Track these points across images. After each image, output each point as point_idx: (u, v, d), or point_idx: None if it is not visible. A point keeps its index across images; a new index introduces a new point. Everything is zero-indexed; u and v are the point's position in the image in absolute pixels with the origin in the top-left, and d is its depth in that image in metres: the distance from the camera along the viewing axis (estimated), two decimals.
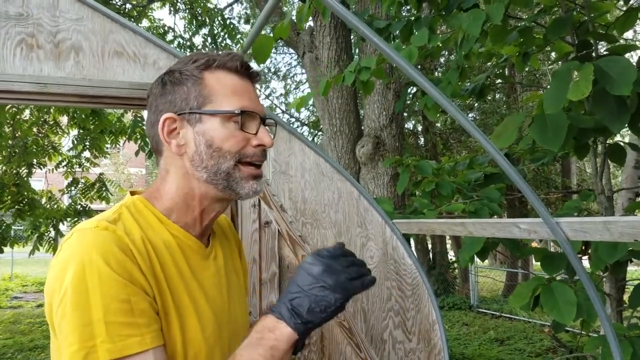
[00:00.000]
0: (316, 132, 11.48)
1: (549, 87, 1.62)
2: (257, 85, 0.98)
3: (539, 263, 2.19)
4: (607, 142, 2.37)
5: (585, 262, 2.45)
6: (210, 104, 0.84)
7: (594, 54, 2.21)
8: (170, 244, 0.84)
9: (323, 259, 0.80)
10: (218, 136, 0.84)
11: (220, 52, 0.91)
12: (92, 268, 0.70)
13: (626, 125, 1.77)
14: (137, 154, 5.36)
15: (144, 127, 5.62)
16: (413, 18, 2.69)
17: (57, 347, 0.74)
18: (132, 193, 0.91)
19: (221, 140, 0.84)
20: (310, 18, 4.95)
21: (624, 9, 2.54)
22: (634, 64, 1.81)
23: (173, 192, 0.87)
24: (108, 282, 0.70)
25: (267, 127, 0.89)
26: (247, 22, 10.07)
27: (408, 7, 3.52)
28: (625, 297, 2.39)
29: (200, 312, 0.83)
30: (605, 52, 2.35)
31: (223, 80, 0.86)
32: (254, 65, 0.97)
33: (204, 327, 0.83)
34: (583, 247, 2.18)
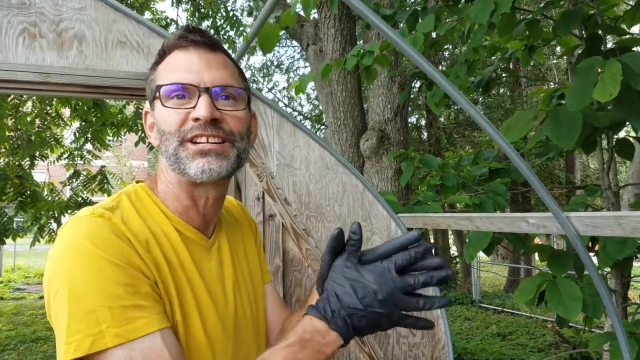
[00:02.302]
0: (319, 126, 11.44)
1: (571, 83, 1.59)
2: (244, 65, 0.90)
3: (542, 261, 2.18)
4: (615, 137, 2.35)
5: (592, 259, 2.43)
6: (154, 88, 0.82)
7: (602, 48, 2.18)
8: (170, 234, 0.82)
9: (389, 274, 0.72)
10: (161, 118, 0.80)
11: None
12: (88, 255, 0.68)
13: None
14: (136, 144, 5.34)
15: None
16: (420, 8, 2.65)
17: (59, 343, 0.72)
18: (138, 182, 0.89)
19: (163, 121, 0.79)
20: (315, 10, 4.91)
21: (631, 2, 2.51)
22: None
23: (161, 181, 0.86)
24: (107, 268, 0.68)
25: (223, 99, 0.80)
26: (250, 14, 10.03)
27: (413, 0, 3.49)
28: (630, 293, 2.38)
29: (202, 305, 0.81)
30: (612, 46, 2.31)
31: (168, 61, 0.82)
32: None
33: (205, 321, 0.81)
34: (590, 244, 2.16)
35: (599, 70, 1.49)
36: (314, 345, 0.71)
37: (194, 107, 0.77)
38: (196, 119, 0.77)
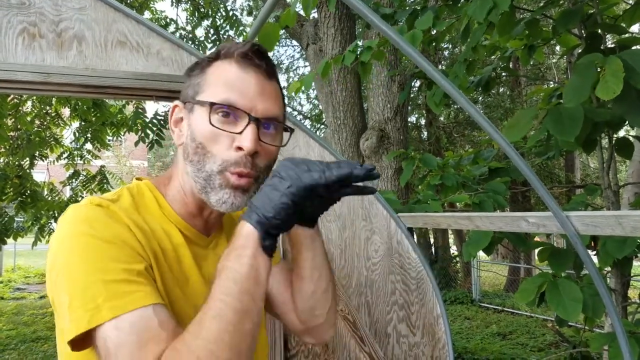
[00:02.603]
0: (319, 125, 11.44)
1: (570, 80, 1.59)
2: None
3: (542, 261, 2.17)
4: (614, 135, 2.35)
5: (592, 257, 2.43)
6: (201, 94, 0.80)
7: (602, 47, 2.18)
8: (169, 230, 0.82)
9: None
10: (200, 130, 0.78)
11: (244, 42, 0.84)
12: (85, 238, 0.69)
13: None
14: (136, 144, 5.33)
15: (145, 119, 5.56)
16: (419, 7, 2.66)
17: (61, 329, 0.72)
18: (138, 180, 0.89)
19: (204, 137, 0.78)
20: (315, 9, 4.91)
21: (630, 1, 2.51)
22: None
23: (174, 182, 0.86)
24: (102, 246, 0.69)
25: (267, 131, 0.80)
26: (249, 14, 10.03)
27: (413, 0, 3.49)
28: (630, 292, 2.38)
29: (197, 302, 0.79)
30: (612, 45, 2.31)
31: (222, 70, 0.80)
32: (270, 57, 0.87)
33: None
34: (592, 243, 2.16)
35: (599, 67, 1.49)
36: (234, 250, 0.70)
37: (239, 133, 0.77)
38: (239, 148, 0.77)
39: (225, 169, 0.78)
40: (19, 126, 5.53)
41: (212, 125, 0.77)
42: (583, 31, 2.35)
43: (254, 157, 0.79)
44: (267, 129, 0.81)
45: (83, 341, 0.67)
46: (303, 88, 2.66)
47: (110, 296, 0.66)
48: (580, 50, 2.40)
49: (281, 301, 0.99)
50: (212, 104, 0.77)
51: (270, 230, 0.71)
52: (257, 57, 0.80)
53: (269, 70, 0.82)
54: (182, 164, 0.83)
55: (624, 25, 2.33)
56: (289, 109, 13.09)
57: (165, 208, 0.84)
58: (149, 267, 0.74)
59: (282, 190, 0.70)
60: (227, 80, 0.79)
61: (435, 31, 2.68)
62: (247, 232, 0.71)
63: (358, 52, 2.53)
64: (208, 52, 0.90)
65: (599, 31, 2.22)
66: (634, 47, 2.03)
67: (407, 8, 2.76)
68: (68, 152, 6.46)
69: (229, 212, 0.81)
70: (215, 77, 0.80)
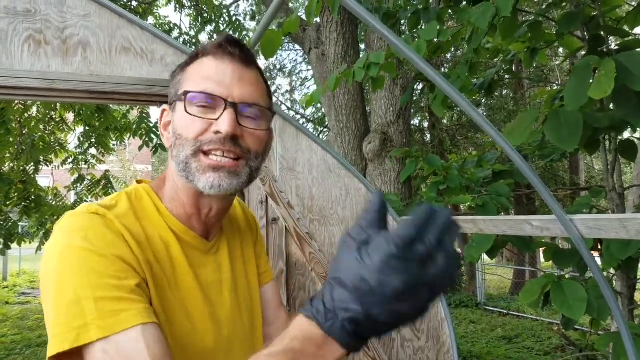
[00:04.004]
0: (322, 129, 11.46)
1: (568, 83, 1.59)
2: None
3: (547, 261, 2.17)
4: (618, 138, 2.34)
5: (596, 258, 2.42)
6: (180, 90, 0.80)
7: (605, 49, 2.18)
8: (167, 238, 0.81)
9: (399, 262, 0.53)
10: (180, 122, 0.79)
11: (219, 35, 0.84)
12: (77, 249, 0.67)
13: None
14: (140, 148, 5.36)
15: (149, 124, 5.58)
16: (421, 7, 2.65)
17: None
18: (138, 182, 0.88)
19: (181, 126, 0.78)
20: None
21: (634, 3, 2.51)
22: None
23: (169, 181, 0.85)
24: (94, 260, 0.67)
25: (247, 115, 0.79)
26: (252, 18, 10.06)
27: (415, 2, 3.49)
28: (636, 295, 2.37)
29: (194, 307, 0.80)
30: (616, 47, 2.31)
31: (199, 65, 0.80)
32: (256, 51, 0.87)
33: (195, 323, 0.79)
34: (599, 245, 2.16)
35: (597, 69, 1.50)
36: (304, 358, 0.55)
37: (216, 119, 0.76)
38: (217, 132, 0.76)
39: (198, 150, 0.77)
40: (24, 131, 5.56)
41: (188, 113, 0.77)
42: (586, 34, 2.35)
43: (237, 140, 0.77)
44: (246, 113, 0.79)
45: (67, 356, 0.64)
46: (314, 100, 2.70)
47: (99, 315, 0.64)
48: (583, 53, 2.40)
49: (267, 322, 1.00)
50: (186, 92, 0.77)
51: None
52: (231, 45, 0.80)
53: (245, 57, 0.81)
54: (172, 164, 0.82)
55: (627, 27, 2.33)
56: (292, 112, 13.11)
57: (163, 213, 0.83)
58: (143, 282, 0.72)
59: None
60: (204, 73, 0.79)
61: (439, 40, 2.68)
62: (331, 350, 0.56)
63: (366, 68, 2.51)
64: None
65: (602, 33, 2.22)
66: (638, 49, 2.03)
67: (409, 8, 2.75)
68: (72, 157, 6.49)
69: (221, 195, 0.78)
70: (193, 73, 0.80)
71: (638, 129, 1.84)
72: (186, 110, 0.77)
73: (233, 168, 0.78)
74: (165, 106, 0.86)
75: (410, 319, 0.55)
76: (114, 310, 0.65)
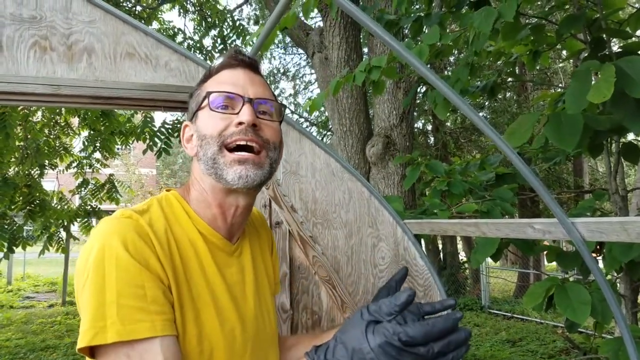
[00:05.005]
0: (325, 132, 11.47)
1: (569, 87, 1.60)
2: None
3: (551, 263, 2.17)
4: (621, 140, 2.34)
5: (598, 261, 2.42)
6: (203, 95, 0.90)
7: (607, 52, 2.18)
8: (195, 240, 0.86)
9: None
10: (203, 124, 0.87)
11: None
12: (110, 252, 0.72)
13: None
14: (144, 152, 5.39)
15: (153, 128, 5.65)
16: (423, 14, 2.66)
17: None
18: (169, 190, 0.95)
19: (205, 127, 0.87)
20: (320, 18, 4.93)
21: (636, 5, 2.51)
22: None
23: (195, 186, 0.91)
24: (124, 267, 0.72)
25: (263, 108, 0.89)
26: (256, 23, 10.10)
27: (418, 7, 3.50)
28: None
29: (220, 307, 0.84)
30: (618, 50, 2.32)
31: (217, 77, 0.91)
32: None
33: (223, 322, 0.84)
34: (598, 247, 2.16)
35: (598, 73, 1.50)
36: None
37: (237, 113, 0.85)
38: (239, 123, 0.84)
39: (222, 145, 0.85)
40: (28, 135, 5.60)
41: (212, 109, 0.86)
42: (588, 36, 2.35)
43: (256, 130, 0.86)
44: (262, 110, 0.89)
45: (91, 351, 0.71)
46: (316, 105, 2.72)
47: (118, 320, 0.69)
48: (585, 55, 2.40)
49: None
50: (209, 93, 0.87)
51: None
52: (240, 55, 0.92)
53: (254, 65, 0.93)
54: (197, 168, 0.89)
55: (629, 29, 2.33)
56: (295, 116, 13.14)
57: (191, 215, 0.89)
58: (168, 290, 0.77)
59: None
60: (221, 80, 0.90)
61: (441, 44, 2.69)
62: None
63: (368, 71, 2.53)
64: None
65: (604, 36, 2.22)
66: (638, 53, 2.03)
67: (412, 15, 2.76)
68: (77, 161, 6.52)
69: (247, 187, 0.85)
70: (211, 83, 0.91)
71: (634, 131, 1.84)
72: (210, 108, 0.86)
73: (257, 160, 0.85)
74: (186, 122, 0.95)
75: None
76: (133, 319, 0.70)
